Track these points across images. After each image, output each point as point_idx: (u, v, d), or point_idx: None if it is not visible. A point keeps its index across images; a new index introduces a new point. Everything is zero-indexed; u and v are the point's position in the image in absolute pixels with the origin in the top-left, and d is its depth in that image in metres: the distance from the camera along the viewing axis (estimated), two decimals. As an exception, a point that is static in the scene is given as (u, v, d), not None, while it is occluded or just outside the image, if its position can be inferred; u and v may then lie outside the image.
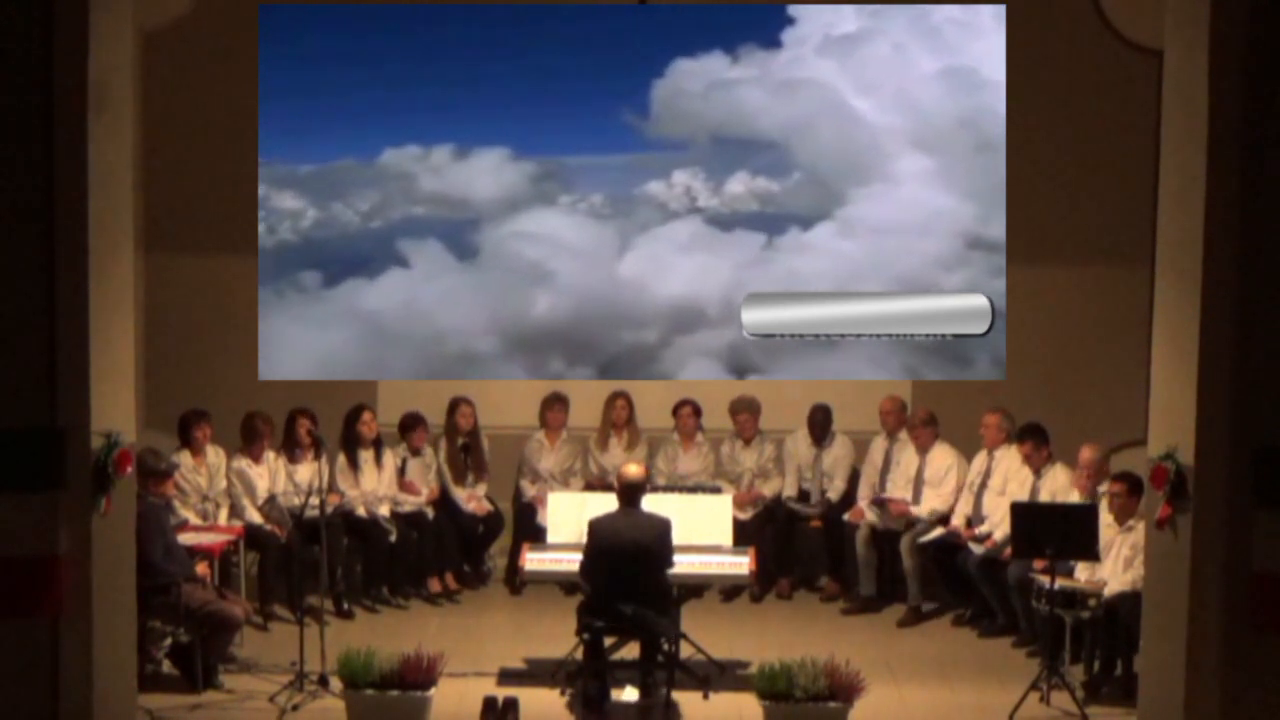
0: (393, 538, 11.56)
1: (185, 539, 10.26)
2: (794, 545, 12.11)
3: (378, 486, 11.65)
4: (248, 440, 11.23)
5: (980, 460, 11.46)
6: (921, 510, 11.54)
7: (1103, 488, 10.39)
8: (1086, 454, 10.63)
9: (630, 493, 9.50)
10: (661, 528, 9.44)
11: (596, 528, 9.45)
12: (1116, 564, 9.85)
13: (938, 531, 11.48)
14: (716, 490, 11.49)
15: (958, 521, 11.42)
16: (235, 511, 11.16)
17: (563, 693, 9.67)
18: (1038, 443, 11.03)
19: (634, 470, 9.71)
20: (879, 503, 11.66)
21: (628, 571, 9.29)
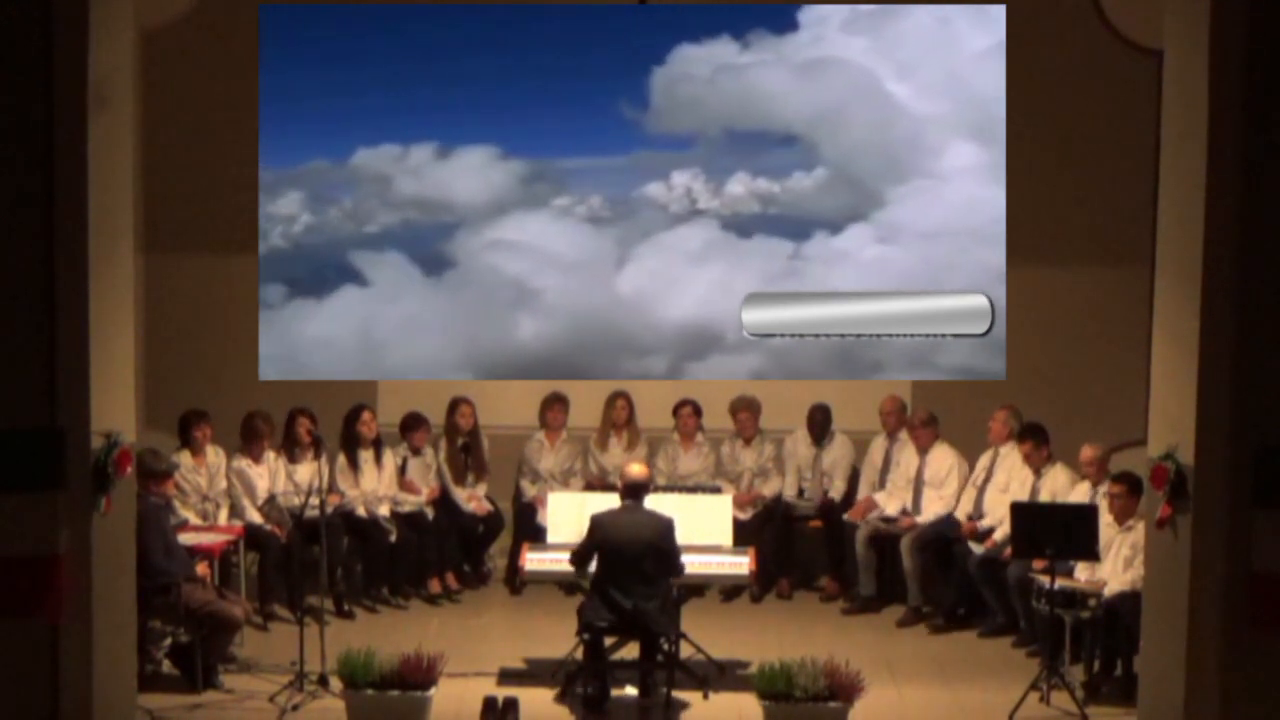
0: (393, 538, 11.56)
1: (185, 539, 10.25)
2: (794, 545, 12.11)
3: (378, 486, 11.65)
4: (248, 440, 11.22)
5: (986, 456, 11.47)
6: (925, 518, 11.53)
7: (1102, 487, 10.40)
8: (1087, 452, 10.65)
9: (634, 491, 9.50)
10: (665, 526, 9.43)
11: (600, 522, 9.43)
12: (1116, 564, 9.85)
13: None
14: (716, 490, 11.49)
15: (959, 517, 11.43)
16: (235, 511, 11.16)
17: (563, 693, 9.67)
18: (1038, 442, 11.04)
19: (638, 469, 9.71)
20: (885, 520, 11.66)
21: (630, 567, 9.28)
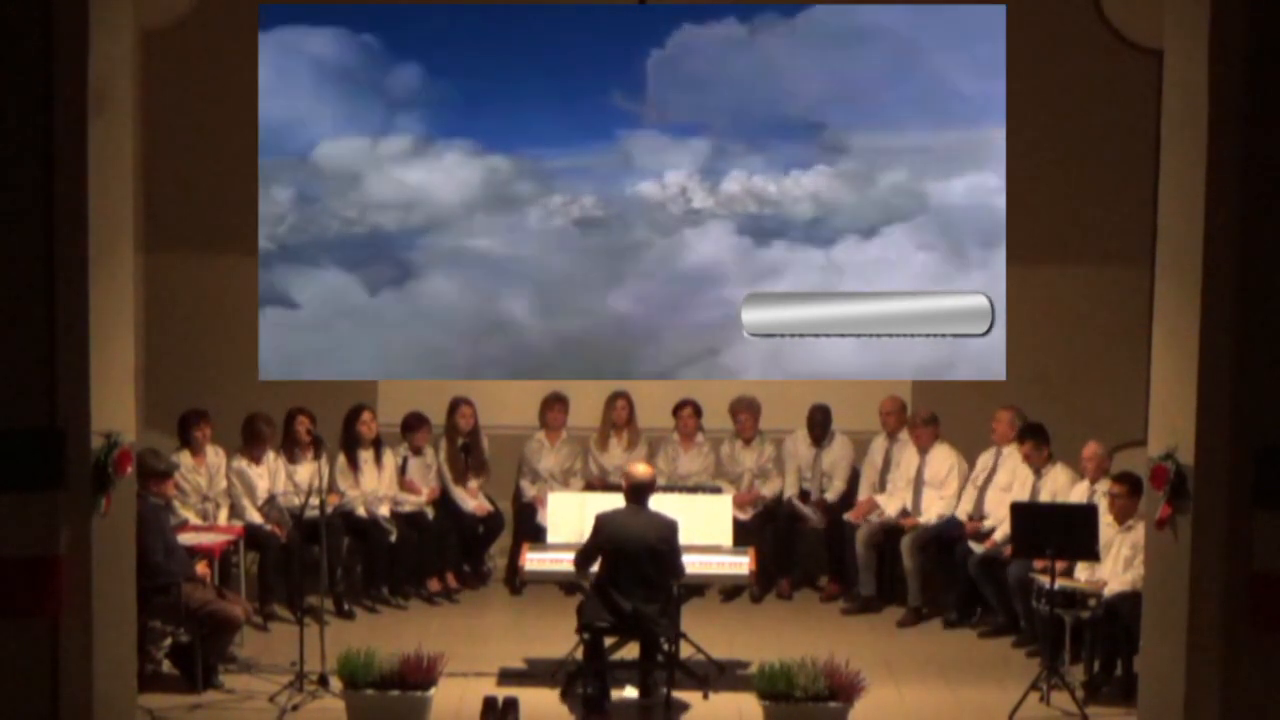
0: (393, 538, 11.56)
1: (185, 539, 10.25)
2: (794, 545, 12.10)
3: (378, 486, 11.65)
4: (249, 442, 11.22)
5: (987, 456, 11.47)
6: (927, 518, 11.53)
7: (1100, 485, 10.41)
8: (1090, 448, 10.66)
9: (638, 492, 9.48)
10: (669, 528, 9.42)
11: (604, 522, 9.42)
12: (1116, 564, 9.85)
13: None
14: (716, 490, 11.50)
15: (960, 516, 11.44)
16: (235, 511, 11.16)
17: (563, 693, 9.67)
18: (1038, 443, 11.04)
19: (642, 470, 9.70)
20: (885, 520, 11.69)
21: (632, 568, 9.28)
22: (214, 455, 11.18)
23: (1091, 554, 9.73)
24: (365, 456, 11.65)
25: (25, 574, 8.45)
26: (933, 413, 11.72)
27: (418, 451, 11.87)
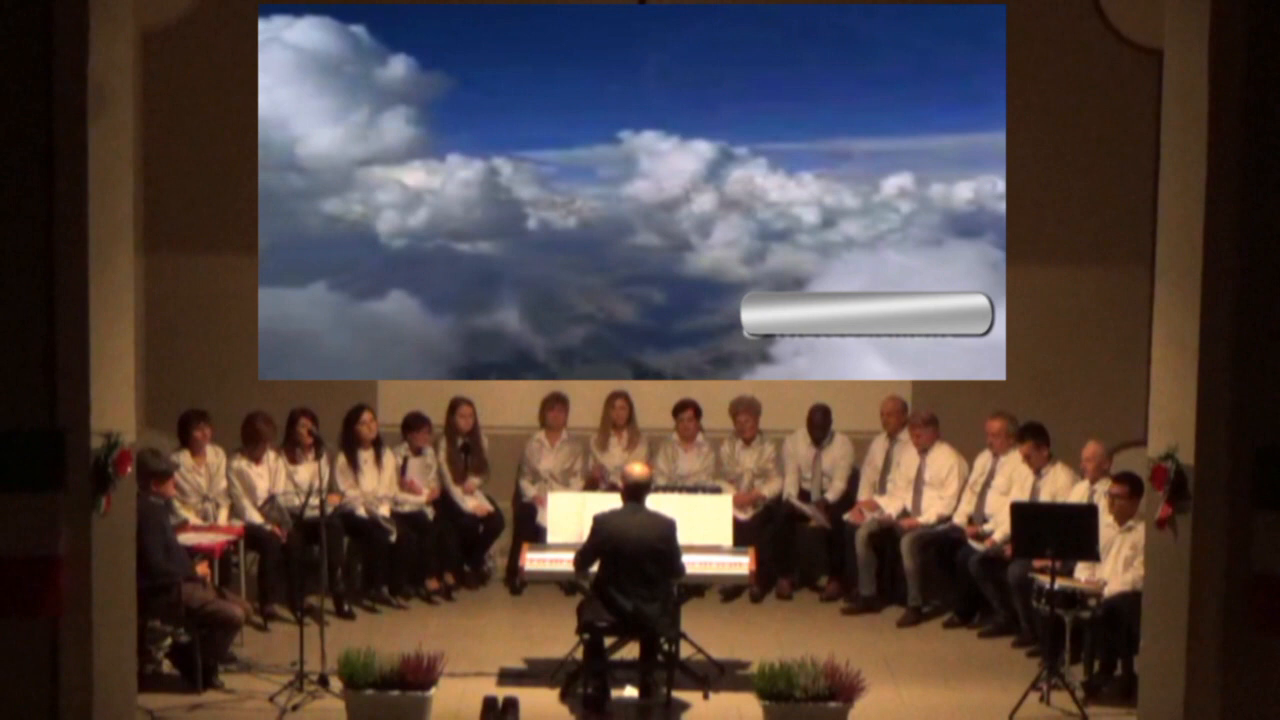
0: (393, 538, 11.56)
1: (185, 539, 10.25)
2: (794, 545, 12.10)
3: (378, 486, 11.65)
4: (249, 442, 11.23)
5: (985, 460, 11.46)
6: (927, 518, 11.53)
7: (1100, 485, 10.41)
8: (1091, 448, 10.66)
9: (635, 491, 9.49)
10: (667, 528, 9.42)
11: (602, 522, 9.42)
12: (1116, 564, 9.85)
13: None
14: (716, 490, 11.50)
15: (960, 520, 11.44)
16: (235, 511, 11.16)
17: (563, 693, 9.67)
18: (1038, 443, 11.04)
19: (639, 469, 9.70)
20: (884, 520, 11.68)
21: (632, 568, 9.28)
22: (214, 455, 11.18)
23: (1091, 554, 9.73)
24: (365, 457, 11.65)
25: (25, 574, 8.45)
26: (933, 413, 11.73)
27: (418, 451, 11.87)
